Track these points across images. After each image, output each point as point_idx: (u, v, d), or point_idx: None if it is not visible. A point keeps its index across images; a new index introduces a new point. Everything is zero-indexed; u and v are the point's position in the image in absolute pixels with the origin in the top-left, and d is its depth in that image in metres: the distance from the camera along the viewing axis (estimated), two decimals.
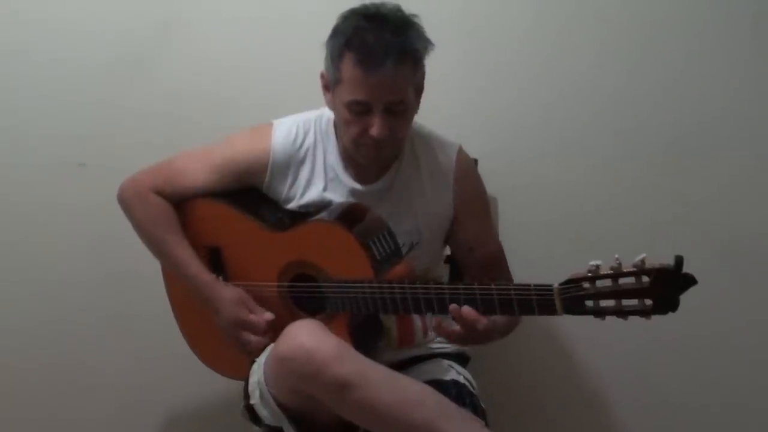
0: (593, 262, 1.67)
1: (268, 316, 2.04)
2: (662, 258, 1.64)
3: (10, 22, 2.57)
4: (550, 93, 2.51)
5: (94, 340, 2.71)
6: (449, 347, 2.17)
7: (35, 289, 2.68)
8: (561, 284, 1.71)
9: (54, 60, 2.58)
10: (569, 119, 2.51)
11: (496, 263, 2.19)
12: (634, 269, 1.64)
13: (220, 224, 2.14)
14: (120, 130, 2.61)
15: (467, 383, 2.08)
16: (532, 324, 2.40)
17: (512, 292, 1.77)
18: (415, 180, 2.12)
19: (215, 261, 2.14)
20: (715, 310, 2.45)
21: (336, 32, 1.97)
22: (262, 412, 1.94)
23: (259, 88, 2.56)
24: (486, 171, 2.34)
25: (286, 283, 2.06)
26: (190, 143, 2.21)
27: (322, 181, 2.12)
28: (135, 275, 2.57)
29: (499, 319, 1.90)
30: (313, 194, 2.11)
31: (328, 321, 1.97)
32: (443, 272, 2.33)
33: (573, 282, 1.70)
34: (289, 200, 2.13)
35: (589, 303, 1.69)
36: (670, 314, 1.65)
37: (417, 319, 2.14)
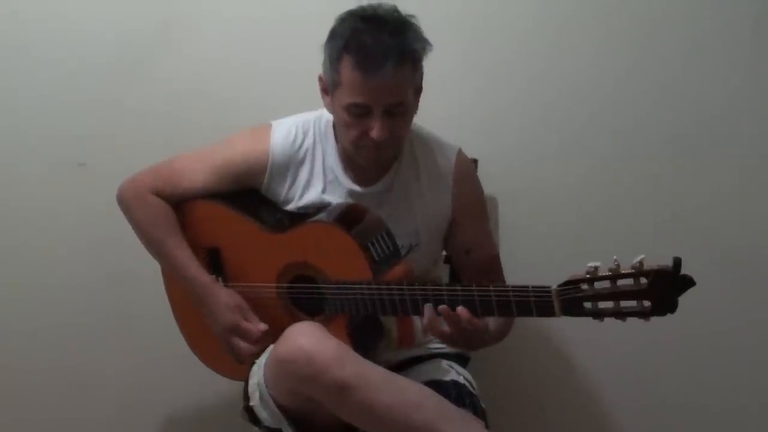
0: (591, 264, 1.67)
1: (262, 326, 2.04)
2: (661, 259, 1.64)
3: (10, 21, 2.57)
4: (550, 93, 2.50)
5: (93, 339, 2.71)
6: (449, 347, 2.16)
7: (35, 289, 2.68)
8: (559, 286, 1.71)
9: (54, 60, 2.58)
10: (569, 120, 2.51)
11: (492, 266, 2.19)
12: (633, 271, 1.63)
13: (219, 225, 2.13)
14: (120, 130, 2.61)
15: (467, 383, 2.08)
16: (532, 324, 2.41)
17: (510, 293, 1.77)
18: (414, 182, 2.12)
19: (214, 262, 2.14)
20: (714, 310, 2.44)
21: (333, 35, 1.97)
22: (262, 414, 1.94)
23: (259, 88, 2.55)
24: (485, 172, 2.34)
25: (284, 284, 2.05)
26: (190, 143, 2.21)
27: (321, 183, 2.11)
28: (135, 275, 2.57)
29: (492, 323, 1.91)
30: (312, 196, 2.11)
31: (327, 322, 1.97)
32: (443, 272, 2.33)
33: (571, 283, 1.70)
34: (288, 201, 2.13)
35: (588, 305, 1.69)
36: (669, 315, 1.65)
37: (417, 320, 2.12)
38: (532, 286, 1.75)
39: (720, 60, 2.44)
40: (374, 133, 1.94)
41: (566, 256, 2.47)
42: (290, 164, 2.12)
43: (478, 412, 1.98)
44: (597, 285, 1.67)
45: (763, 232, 2.48)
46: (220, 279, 2.13)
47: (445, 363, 2.14)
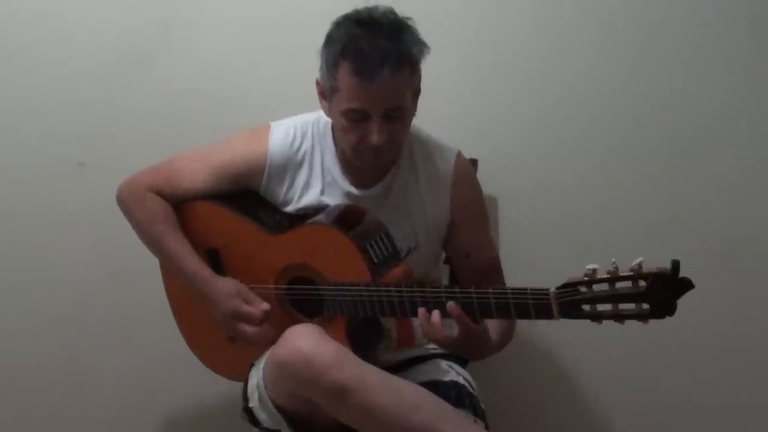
0: (590, 266, 1.67)
1: (265, 306, 2.03)
2: (659, 260, 1.64)
3: (11, 21, 2.57)
4: (550, 94, 2.51)
5: (93, 339, 2.71)
6: None
7: (35, 288, 2.68)
8: (558, 288, 1.71)
9: (54, 60, 2.58)
10: (568, 120, 2.51)
11: (492, 271, 2.18)
12: (631, 273, 1.63)
13: (218, 226, 2.13)
14: (120, 130, 2.61)
15: (467, 384, 2.08)
16: (531, 325, 2.40)
17: (509, 295, 1.77)
18: (412, 185, 2.11)
19: (213, 263, 2.13)
20: (712, 311, 2.44)
21: (330, 40, 1.95)
22: (261, 415, 1.94)
23: (259, 88, 2.55)
24: (485, 172, 2.34)
25: (283, 286, 2.06)
26: (190, 143, 2.21)
27: (320, 185, 2.11)
28: (135, 275, 2.56)
29: (493, 331, 1.93)
30: (311, 198, 2.11)
31: (326, 323, 1.97)
32: (442, 273, 2.33)
33: (569, 286, 1.69)
34: (286, 203, 2.13)
35: (586, 307, 1.69)
36: (667, 318, 1.65)
37: (417, 321, 2.13)
38: (531, 289, 1.74)
39: (718, 62, 2.44)
40: (373, 139, 1.93)
41: (566, 255, 2.49)
42: (288, 166, 2.11)
43: (478, 412, 1.98)
44: (595, 287, 1.67)
45: (762, 232, 2.48)
46: None
47: (444, 363, 2.13)
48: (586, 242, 2.52)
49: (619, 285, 1.65)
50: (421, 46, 1.96)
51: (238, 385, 2.04)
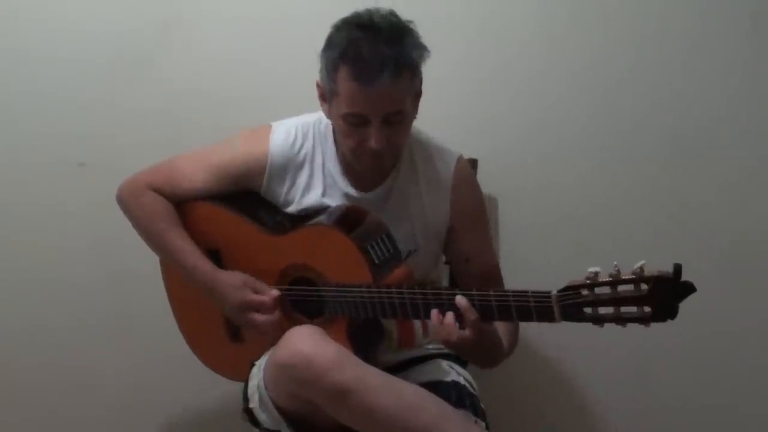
0: (592, 269, 1.67)
1: (274, 293, 2.02)
2: (660, 261, 1.64)
3: (10, 21, 2.57)
4: (550, 94, 2.51)
5: (93, 339, 2.71)
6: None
7: (35, 288, 2.68)
8: (559, 291, 1.71)
9: (54, 60, 2.58)
10: (569, 120, 2.51)
11: (492, 276, 2.17)
12: (633, 276, 1.63)
13: (218, 227, 2.13)
14: (120, 130, 2.60)
15: (468, 384, 2.08)
16: (532, 326, 2.40)
17: (510, 298, 1.77)
18: (412, 188, 2.11)
19: (214, 263, 2.11)
20: (714, 311, 2.44)
21: (330, 44, 1.94)
22: (261, 416, 1.94)
23: (259, 89, 2.55)
24: (485, 172, 2.35)
25: (284, 287, 2.05)
26: (190, 143, 2.21)
27: (321, 186, 2.10)
28: (135, 275, 2.57)
29: (501, 332, 1.93)
30: (312, 199, 2.10)
31: (327, 325, 1.97)
32: (442, 273, 2.32)
33: (571, 289, 1.69)
34: (287, 204, 2.12)
35: (588, 310, 1.69)
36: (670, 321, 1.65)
37: (417, 321, 2.13)
38: (532, 292, 1.74)
39: (718, 62, 2.44)
40: (372, 143, 1.93)
41: (566, 255, 2.49)
42: (289, 167, 2.10)
43: (479, 412, 1.98)
44: (597, 290, 1.67)
45: (763, 233, 2.48)
46: None
47: (445, 363, 2.14)
48: (585, 242, 2.52)
49: (620, 288, 1.65)
50: (422, 50, 1.94)
51: (238, 386, 2.04)
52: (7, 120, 2.62)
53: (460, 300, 1.81)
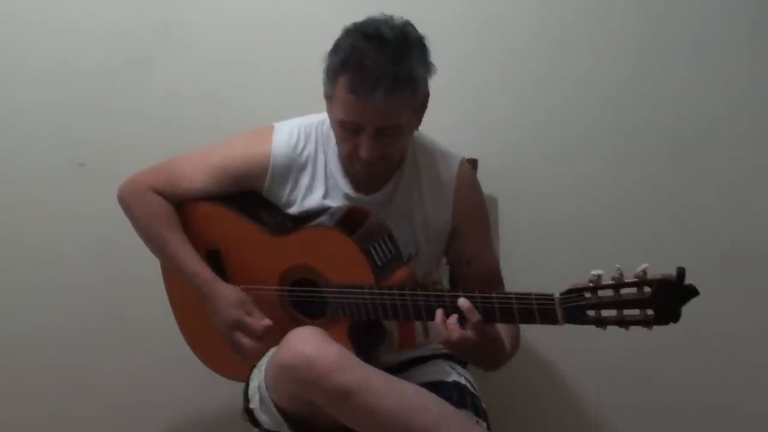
0: (594, 272, 1.67)
1: (267, 322, 2.02)
2: (662, 262, 1.64)
3: (10, 22, 2.57)
4: (550, 94, 2.51)
5: (93, 340, 2.71)
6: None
7: (35, 289, 2.68)
8: (562, 294, 1.71)
9: (54, 60, 2.58)
10: (569, 120, 2.51)
11: (493, 278, 2.17)
12: (636, 280, 1.63)
13: (219, 227, 2.13)
14: (120, 131, 2.60)
15: (468, 384, 2.08)
16: (533, 326, 2.40)
17: (513, 300, 1.77)
18: (415, 191, 2.10)
19: (214, 264, 2.12)
20: (715, 311, 2.42)
21: (336, 48, 1.92)
22: (262, 417, 1.93)
23: (259, 89, 2.55)
24: (485, 172, 2.34)
25: (285, 287, 2.05)
26: (190, 143, 2.20)
27: (323, 188, 2.10)
28: (135, 276, 2.57)
29: (503, 335, 1.92)
30: (314, 200, 2.09)
31: (329, 326, 1.97)
32: (442, 274, 2.32)
33: (574, 292, 1.69)
34: (289, 205, 2.11)
35: (591, 313, 1.69)
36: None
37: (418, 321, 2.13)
38: (535, 294, 1.74)
39: (720, 62, 2.45)
40: (362, 152, 1.93)
41: (566, 256, 2.49)
42: (291, 168, 2.10)
43: (480, 412, 1.98)
44: (600, 293, 1.67)
45: (764, 233, 2.49)
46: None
47: (446, 364, 2.14)
48: (585, 242, 2.52)
49: (623, 291, 1.65)
50: (426, 69, 1.93)
51: (238, 387, 2.04)
52: (7, 120, 2.61)
53: (463, 302, 1.81)
